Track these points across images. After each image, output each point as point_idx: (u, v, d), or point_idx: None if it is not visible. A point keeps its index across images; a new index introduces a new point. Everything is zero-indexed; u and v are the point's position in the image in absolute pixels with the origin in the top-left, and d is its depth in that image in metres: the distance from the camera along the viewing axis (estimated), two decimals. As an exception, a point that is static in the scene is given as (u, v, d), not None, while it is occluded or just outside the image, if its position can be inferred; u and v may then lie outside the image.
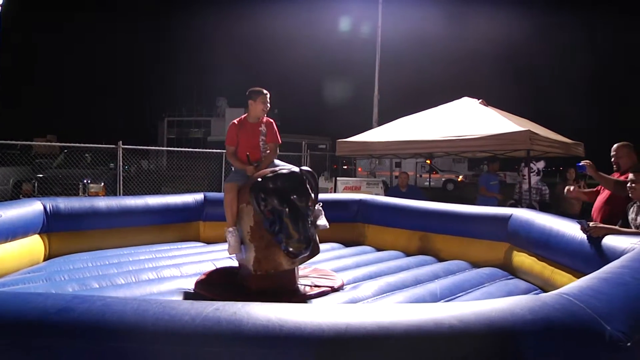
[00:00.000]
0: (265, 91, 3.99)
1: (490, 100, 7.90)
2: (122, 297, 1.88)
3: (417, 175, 21.17)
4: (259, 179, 3.33)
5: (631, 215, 3.54)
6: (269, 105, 4.02)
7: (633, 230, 3.39)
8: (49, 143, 14.38)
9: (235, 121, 4.03)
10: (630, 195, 3.55)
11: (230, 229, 3.68)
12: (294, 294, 3.59)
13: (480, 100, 7.67)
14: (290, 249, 3.18)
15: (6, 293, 1.57)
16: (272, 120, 4.16)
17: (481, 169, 25.02)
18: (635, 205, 3.55)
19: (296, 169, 3.51)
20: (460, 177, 26.01)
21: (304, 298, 3.53)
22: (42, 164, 11.53)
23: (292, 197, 3.22)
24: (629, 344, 1.37)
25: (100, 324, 1.32)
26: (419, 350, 1.31)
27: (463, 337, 1.32)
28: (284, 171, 3.37)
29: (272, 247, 3.38)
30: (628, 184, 3.54)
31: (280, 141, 4.18)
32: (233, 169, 4.09)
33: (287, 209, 3.18)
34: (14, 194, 9.87)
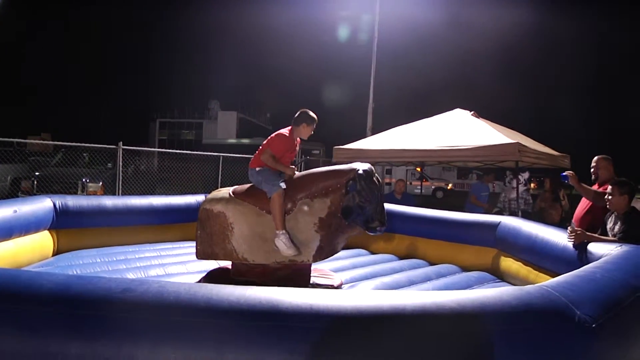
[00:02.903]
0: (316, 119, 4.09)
1: (484, 108, 8.23)
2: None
3: (408, 183, 21.50)
4: (362, 171, 3.69)
5: (609, 224, 3.84)
6: None
7: (610, 238, 3.69)
8: (42, 141, 14.46)
9: (286, 134, 3.98)
10: (607, 206, 3.85)
11: (283, 231, 3.73)
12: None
13: (472, 112, 7.98)
14: (378, 228, 3.66)
15: (75, 276, 1.79)
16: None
17: (470, 177, 25.55)
18: (612, 215, 3.85)
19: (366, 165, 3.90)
20: (450, 185, 26.48)
21: None
22: (39, 161, 11.62)
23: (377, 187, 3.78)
24: (593, 325, 1.66)
25: (158, 301, 1.56)
26: (425, 329, 1.58)
27: (460, 317, 1.58)
28: (368, 166, 3.82)
29: (336, 232, 3.79)
30: (606, 196, 3.84)
31: None
32: (261, 177, 3.91)
33: (378, 194, 3.71)
34: (12, 191, 9.96)
